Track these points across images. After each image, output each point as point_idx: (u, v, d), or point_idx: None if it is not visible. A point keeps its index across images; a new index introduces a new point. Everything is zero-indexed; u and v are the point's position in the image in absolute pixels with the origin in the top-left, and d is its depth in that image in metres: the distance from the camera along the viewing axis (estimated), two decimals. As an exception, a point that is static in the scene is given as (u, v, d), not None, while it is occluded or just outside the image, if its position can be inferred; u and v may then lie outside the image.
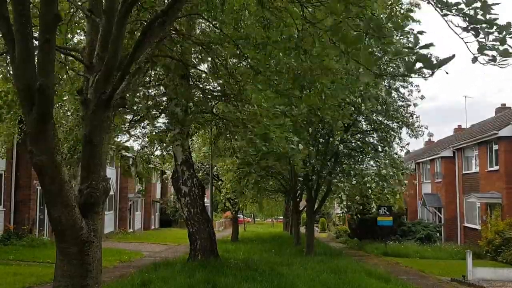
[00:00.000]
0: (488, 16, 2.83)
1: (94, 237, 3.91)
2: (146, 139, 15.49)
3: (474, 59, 2.95)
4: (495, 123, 24.36)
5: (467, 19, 2.86)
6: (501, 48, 2.87)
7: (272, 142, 9.93)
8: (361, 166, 17.69)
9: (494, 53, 2.89)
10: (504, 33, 2.82)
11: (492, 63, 2.92)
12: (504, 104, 28.09)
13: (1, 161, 16.94)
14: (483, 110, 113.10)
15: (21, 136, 12.19)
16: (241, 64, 9.38)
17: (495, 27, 2.82)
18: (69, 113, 12.03)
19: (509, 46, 2.87)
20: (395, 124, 17.42)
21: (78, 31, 8.53)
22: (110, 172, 25.09)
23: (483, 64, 2.96)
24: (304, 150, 15.02)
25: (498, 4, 2.85)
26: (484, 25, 2.80)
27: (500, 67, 2.97)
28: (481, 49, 2.89)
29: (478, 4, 2.85)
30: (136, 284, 9.40)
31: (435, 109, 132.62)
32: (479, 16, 2.83)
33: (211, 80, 12.16)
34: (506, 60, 2.90)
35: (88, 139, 3.91)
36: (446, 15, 2.99)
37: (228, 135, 12.62)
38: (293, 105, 8.59)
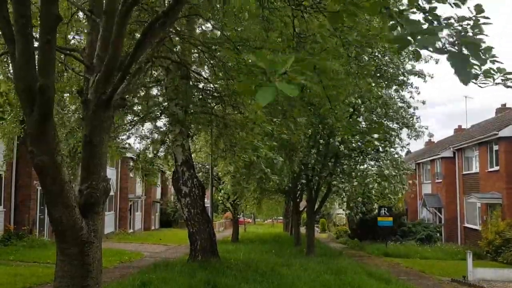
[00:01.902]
0: (476, 36, 2.88)
1: (94, 238, 3.91)
2: (148, 141, 15.49)
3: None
4: (495, 123, 24.37)
5: (454, 34, 2.91)
6: (483, 68, 2.95)
7: (260, 157, 10.24)
8: (362, 166, 17.69)
9: (478, 71, 2.96)
10: (486, 55, 2.88)
11: (473, 81, 3.01)
12: (505, 105, 28.09)
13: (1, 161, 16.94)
14: (483, 111, 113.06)
15: (22, 136, 12.20)
16: (240, 66, 9.41)
17: (480, 48, 2.88)
18: (69, 114, 12.02)
19: (491, 68, 2.93)
20: (396, 125, 17.43)
21: (77, 29, 8.53)
22: (111, 173, 25.10)
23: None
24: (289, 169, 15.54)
25: (490, 24, 2.89)
26: (470, 44, 2.86)
27: (480, 87, 3.05)
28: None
29: (470, 22, 2.91)
30: (136, 285, 9.39)
31: (435, 114, 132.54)
32: (469, 34, 2.88)
33: (210, 81, 12.20)
34: (486, 80, 2.99)
35: (88, 139, 3.92)
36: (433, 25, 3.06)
37: (227, 137, 12.66)
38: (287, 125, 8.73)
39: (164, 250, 21.06)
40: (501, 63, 2.90)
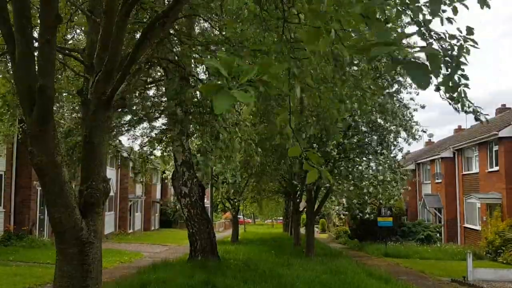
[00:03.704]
0: (461, 57, 3.04)
1: (94, 238, 3.91)
2: (146, 139, 15.47)
3: (437, 89, 3.20)
4: (495, 123, 24.36)
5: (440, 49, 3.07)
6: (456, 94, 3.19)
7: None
8: (360, 167, 17.63)
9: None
10: (462, 81, 3.08)
11: (449, 101, 3.24)
12: (504, 105, 28.12)
13: (1, 162, 16.94)
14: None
15: (21, 136, 12.19)
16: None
17: (459, 72, 3.03)
18: (66, 114, 12.02)
19: (461, 75, 3.10)
20: (393, 126, 17.37)
21: (77, 30, 8.54)
22: (110, 173, 25.09)
23: (442, 98, 3.40)
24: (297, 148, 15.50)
25: (477, 48, 3.01)
26: (454, 65, 3.01)
27: (442, 98, 3.41)
28: (443, 83, 3.11)
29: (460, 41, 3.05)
30: (136, 285, 9.38)
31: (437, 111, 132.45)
32: (454, 52, 3.04)
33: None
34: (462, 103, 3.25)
35: (88, 139, 3.91)
36: (426, 39, 3.20)
37: (227, 136, 12.64)
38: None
39: (163, 250, 21.06)
40: (467, 79, 3.08)
